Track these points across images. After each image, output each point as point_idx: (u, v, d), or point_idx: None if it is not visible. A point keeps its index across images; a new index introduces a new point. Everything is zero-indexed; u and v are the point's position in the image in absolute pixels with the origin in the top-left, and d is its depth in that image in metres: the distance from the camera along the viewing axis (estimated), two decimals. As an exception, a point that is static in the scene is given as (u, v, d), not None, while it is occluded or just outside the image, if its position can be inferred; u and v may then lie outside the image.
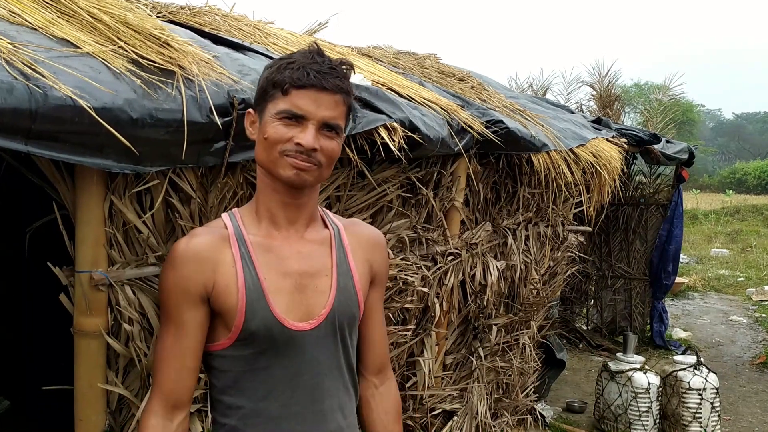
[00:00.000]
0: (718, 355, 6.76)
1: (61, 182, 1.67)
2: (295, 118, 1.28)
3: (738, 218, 18.90)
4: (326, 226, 1.47)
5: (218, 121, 1.72)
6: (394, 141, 2.18)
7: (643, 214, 6.95)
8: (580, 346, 6.93)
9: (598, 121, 4.78)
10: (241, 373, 1.36)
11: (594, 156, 3.48)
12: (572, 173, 3.20)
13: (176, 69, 1.69)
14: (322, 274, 1.40)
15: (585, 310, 7.44)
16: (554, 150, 3.10)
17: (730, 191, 24.51)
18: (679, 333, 7.48)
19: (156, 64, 1.67)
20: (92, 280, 1.68)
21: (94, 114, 1.42)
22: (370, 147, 2.21)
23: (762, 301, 9.48)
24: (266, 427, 1.36)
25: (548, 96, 6.97)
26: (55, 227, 1.70)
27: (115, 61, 1.59)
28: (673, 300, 9.23)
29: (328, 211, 1.54)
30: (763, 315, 8.60)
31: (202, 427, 1.99)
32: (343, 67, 1.32)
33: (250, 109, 1.41)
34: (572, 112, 5.02)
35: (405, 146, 2.22)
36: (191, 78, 1.73)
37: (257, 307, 1.31)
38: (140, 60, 1.65)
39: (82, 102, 1.40)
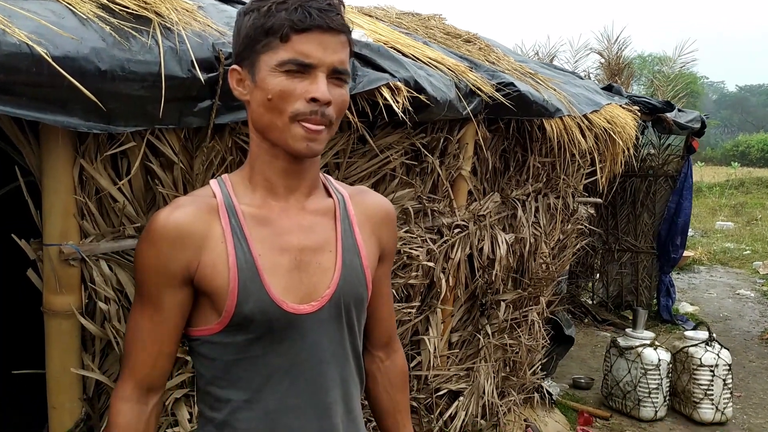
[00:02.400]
0: (726, 329, 6.62)
1: (24, 144, 1.48)
2: (302, 68, 1.08)
3: (743, 191, 18.68)
4: (329, 195, 1.28)
5: (201, 76, 1.53)
6: (398, 102, 1.99)
7: (652, 185, 6.75)
8: (586, 320, 6.79)
9: (609, 88, 4.57)
10: (232, 361, 1.17)
11: (608, 122, 3.29)
12: (586, 140, 3.00)
13: (152, 16, 1.50)
14: (326, 250, 1.22)
15: (590, 284, 7.29)
16: (568, 115, 2.90)
17: (736, 164, 24.23)
18: (686, 307, 7.33)
19: (129, 10, 1.47)
20: (62, 254, 1.51)
21: (53, 63, 1.23)
22: (372, 109, 2.02)
23: (769, 274, 9.33)
24: (261, 423, 1.18)
25: (555, 64, 6.73)
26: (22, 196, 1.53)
27: (81, 6, 1.40)
28: (678, 274, 9.07)
29: (330, 177, 1.34)
30: (771, 289, 8.46)
31: (190, 414, 1.84)
32: (337, 0, 1.12)
33: (235, 66, 1.17)
34: (582, 79, 4.80)
35: (410, 108, 2.03)
36: (170, 27, 1.53)
37: (251, 287, 1.13)
38: (111, 5, 1.45)
39: (39, 49, 1.22)
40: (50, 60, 1.21)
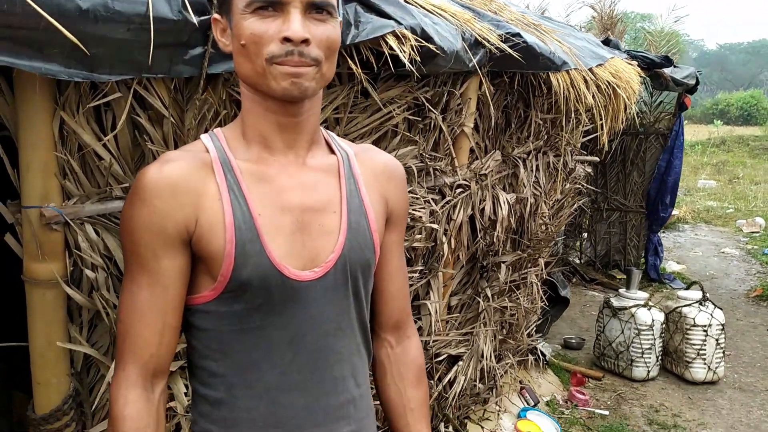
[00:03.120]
0: (712, 288, 6.63)
1: (-4, 92, 1.32)
2: (271, 6, 0.96)
3: (724, 149, 18.76)
4: (332, 152, 1.16)
5: (194, 19, 1.37)
6: (404, 52, 1.84)
7: (642, 143, 6.66)
8: (574, 280, 6.77)
9: (606, 42, 4.42)
10: (228, 333, 1.05)
11: (613, 77, 3.15)
12: (592, 96, 2.87)
13: (138, -51, 1.33)
14: (330, 210, 1.10)
15: (578, 244, 7.25)
16: (574, 69, 2.76)
17: (718, 122, 24.28)
18: (673, 266, 7.34)
19: (112, -58, 1.30)
20: (43, 217, 1.36)
21: (29, 1, 1.07)
22: (376, 59, 1.87)
23: (753, 232, 9.37)
24: (261, 401, 1.06)
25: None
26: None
27: (57, -65, 1.22)
28: (664, 232, 9.07)
29: (333, 134, 1.21)
30: (755, 247, 8.50)
31: (186, 387, 1.72)
32: None
33: (216, 15, 1.05)
34: (579, 31, 4.64)
35: (417, 59, 1.88)
36: (158, -38, 1.36)
37: (250, 251, 1.01)
38: (90, -65, 1.28)
39: (11, -18, 1.05)
40: (24, -5, 1.05)
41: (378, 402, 1.30)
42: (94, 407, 1.60)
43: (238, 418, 1.07)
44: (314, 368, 1.09)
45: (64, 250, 1.43)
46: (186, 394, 1.71)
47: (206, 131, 1.63)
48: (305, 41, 0.96)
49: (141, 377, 1.03)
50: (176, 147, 1.57)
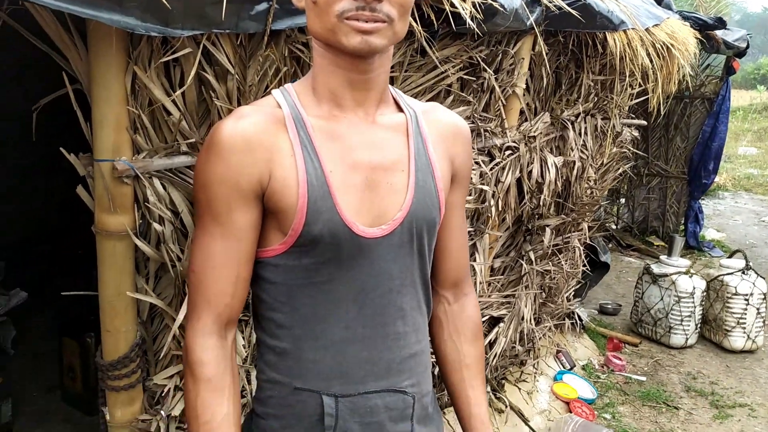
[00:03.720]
0: (752, 257, 6.48)
1: (71, 48, 1.33)
2: None
3: (766, 116, 18.21)
4: (400, 110, 1.16)
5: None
6: (466, 9, 1.81)
7: (687, 108, 6.50)
8: (610, 246, 6.70)
9: (658, 2, 4.28)
10: (296, 286, 1.08)
11: (670, 38, 3.07)
12: (650, 57, 2.79)
13: None
14: (398, 169, 1.11)
15: (615, 209, 7.16)
16: (632, 29, 2.69)
17: (761, 87, 23.50)
18: (712, 234, 7.23)
19: None
20: (115, 170, 1.38)
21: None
22: (436, 17, 1.84)
23: (795, 202, 9.17)
24: (326, 353, 1.09)
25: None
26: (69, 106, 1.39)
27: None
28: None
29: (400, 91, 1.21)
30: (797, 216, 8.32)
31: (243, 339, 1.77)
32: None
33: None
34: (629, -8, 4.49)
35: (479, 15, 1.84)
36: None
37: (321, 207, 1.03)
38: None
39: (93, -66, 1.05)
40: (107, -53, 1.05)
41: (434, 358, 1.33)
42: (157, 356, 1.65)
43: (304, 368, 1.10)
44: (378, 323, 1.11)
45: (133, 204, 1.46)
46: (245, 347, 1.75)
47: (266, 88, 1.64)
48: (377, 0, 0.95)
49: (216, 326, 1.07)
50: (239, 103, 1.58)
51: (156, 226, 1.48)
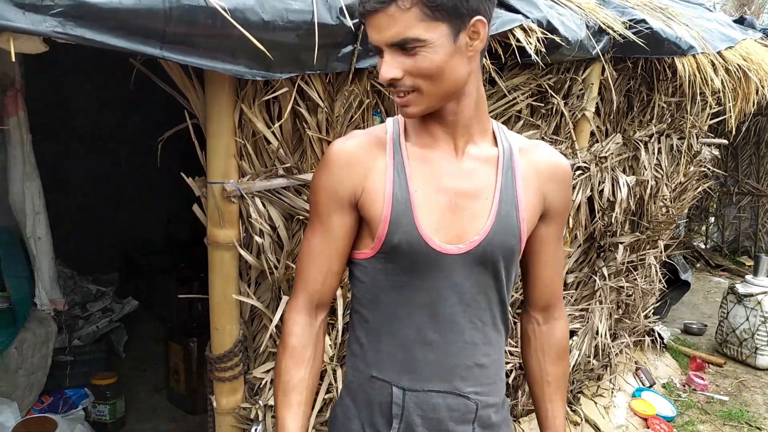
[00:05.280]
0: None
1: (191, 90, 1.61)
2: (378, 51, 1.14)
3: None
4: (497, 143, 1.27)
5: (349, 23, 1.59)
6: (530, 44, 1.98)
7: (778, 125, 6.33)
8: (698, 265, 6.57)
9: (740, 21, 4.27)
10: (380, 287, 1.25)
11: (744, 59, 3.10)
12: (721, 80, 2.86)
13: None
14: (482, 196, 1.22)
15: (704, 228, 7.01)
16: (701, 53, 2.77)
17: None
18: (809, 255, 6.93)
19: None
20: (224, 191, 1.65)
21: (227, 15, 1.33)
22: (504, 51, 2.02)
23: None
24: (399, 350, 1.24)
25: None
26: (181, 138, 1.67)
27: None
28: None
29: (504, 127, 1.33)
30: None
31: (330, 340, 1.98)
32: None
33: None
34: (710, 11, 4.50)
35: (542, 50, 2.02)
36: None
37: (402, 220, 1.18)
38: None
39: (214, 2, 1.31)
40: (225, 13, 1.30)
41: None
42: (256, 352, 1.90)
43: (381, 360, 1.26)
44: (447, 330, 1.23)
45: (238, 220, 1.72)
46: (331, 347, 1.97)
47: (351, 118, 1.88)
48: (393, 80, 1.11)
49: (307, 306, 1.29)
50: (328, 133, 1.82)
51: (257, 238, 1.73)
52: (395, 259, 1.21)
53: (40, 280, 2.68)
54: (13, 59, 1.03)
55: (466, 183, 1.22)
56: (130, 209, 4.90)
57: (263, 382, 1.89)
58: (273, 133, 1.71)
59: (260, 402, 1.86)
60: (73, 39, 1.12)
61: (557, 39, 2.05)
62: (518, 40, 1.97)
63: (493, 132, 1.28)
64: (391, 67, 1.10)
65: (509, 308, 1.32)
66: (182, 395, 3.52)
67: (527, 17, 2.01)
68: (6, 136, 2.45)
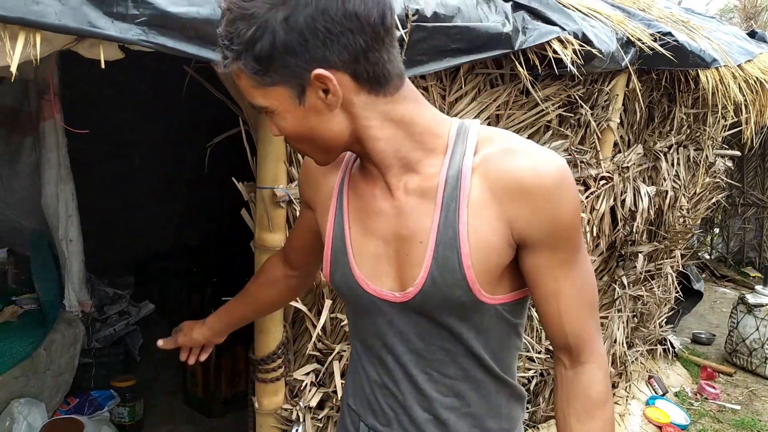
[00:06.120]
0: None
1: (244, 99, 1.64)
2: None
3: None
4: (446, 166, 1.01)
5: (401, 33, 1.63)
6: (567, 55, 2.02)
7: (785, 138, 6.39)
8: (703, 276, 6.62)
9: (752, 35, 4.33)
10: (349, 315, 1.23)
11: (762, 72, 3.16)
12: (742, 92, 2.91)
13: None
14: (416, 240, 1.01)
15: (709, 239, 7.06)
16: (724, 66, 2.82)
17: None
18: (813, 266, 6.99)
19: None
20: (274, 196, 1.68)
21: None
22: (540, 61, 2.07)
23: None
24: (366, 387, 1.18)
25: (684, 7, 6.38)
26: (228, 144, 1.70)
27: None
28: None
29: (478, 127, 1.02)
30: None
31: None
32: (224, 17, 0.90)
33: None
34: (723, 24, 4.56)
35: (578, 61, 2.06)
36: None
37: (340, 259, 1.09)
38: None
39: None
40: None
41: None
42: (297, 355, 1.93)
43: (355, 391, 1.22)
44: (401, 379, 1.12)
45: (285, 224, 1.75)
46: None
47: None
48: (285, 137, 1.02)
49: (281, 257, 1.43)
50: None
51: (303, 243, 1.76)
52: (341, 296, 1.16)
53: (69, 282, 2.70)
54: (102, 66, 1.07)
55: (399, 224, 1.03)
56: (144, 213, 4.92)
57: (304, 384, 1.92)
58: (321, 139, 1.74)
59: (301, 404, 1.89)
60: (155, 47, 1.16)
61: (593, 51, 2.10)
62: (555, 51, 2.01)
63: (449, 146, 1.01)
64: (271, 126, 1.00)
65: (504, 358, 1.12)
66: (199, 398, 3.54)
67: (564, 29, 2.05)
68: (41, 139, 2.48)
